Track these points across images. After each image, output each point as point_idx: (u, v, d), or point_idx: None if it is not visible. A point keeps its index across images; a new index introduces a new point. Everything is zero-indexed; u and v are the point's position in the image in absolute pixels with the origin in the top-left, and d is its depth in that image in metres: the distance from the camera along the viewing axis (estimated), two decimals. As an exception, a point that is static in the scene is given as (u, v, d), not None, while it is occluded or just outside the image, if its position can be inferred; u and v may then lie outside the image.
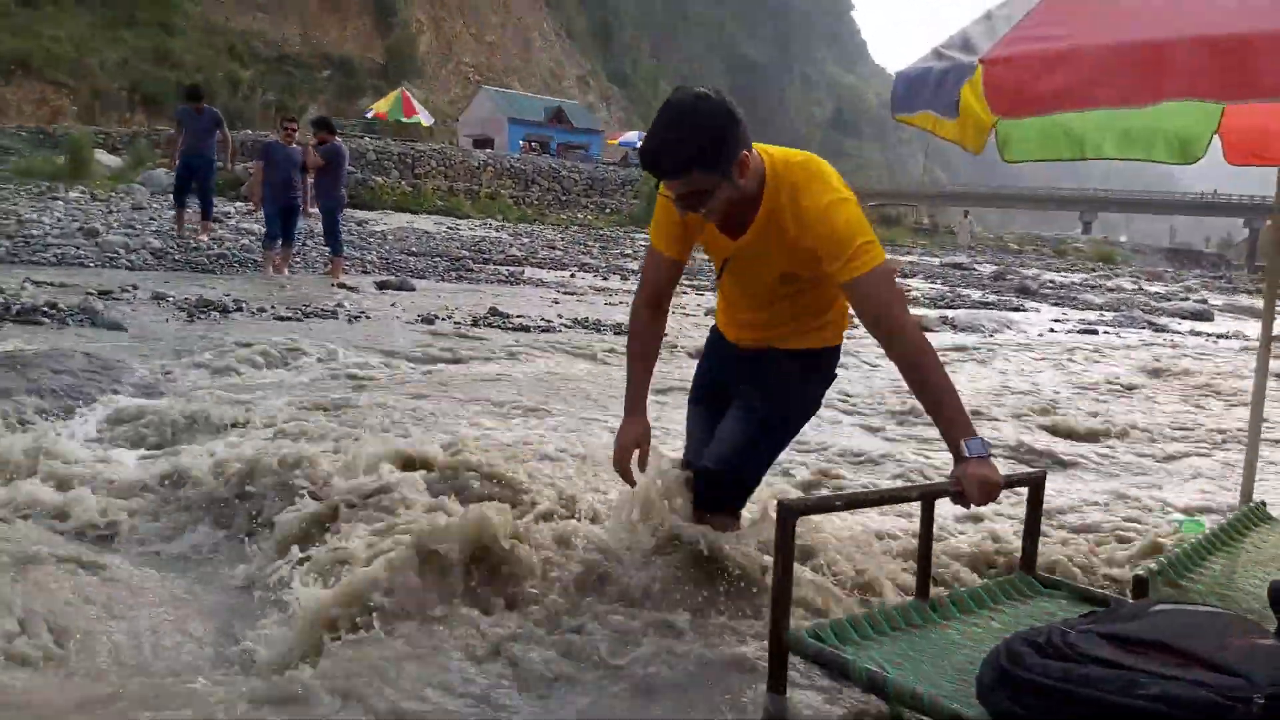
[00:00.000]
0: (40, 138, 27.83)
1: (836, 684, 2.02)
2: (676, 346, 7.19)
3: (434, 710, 1.91)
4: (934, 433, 2.15)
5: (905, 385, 2.15)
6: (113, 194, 19.67)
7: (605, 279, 13.58)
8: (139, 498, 2.93)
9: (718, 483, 2.48)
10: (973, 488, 1.97)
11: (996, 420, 5.47)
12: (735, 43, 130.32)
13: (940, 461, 4.21)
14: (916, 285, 16.88)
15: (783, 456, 2.72)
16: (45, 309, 6.47)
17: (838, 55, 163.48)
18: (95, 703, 1.90)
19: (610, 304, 10.43)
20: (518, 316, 8.58)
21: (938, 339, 9.34)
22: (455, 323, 8.01)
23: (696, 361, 2.79)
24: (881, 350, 2.16)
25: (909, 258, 27.68)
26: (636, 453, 2.42)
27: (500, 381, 5.61)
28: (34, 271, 8.53)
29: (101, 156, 25.35)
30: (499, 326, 8.02)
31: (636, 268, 15.62)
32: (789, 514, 1.83)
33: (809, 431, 3.48)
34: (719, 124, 2.07)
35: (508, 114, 58.85)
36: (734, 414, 2.49)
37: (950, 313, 11.90)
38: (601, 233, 26.18)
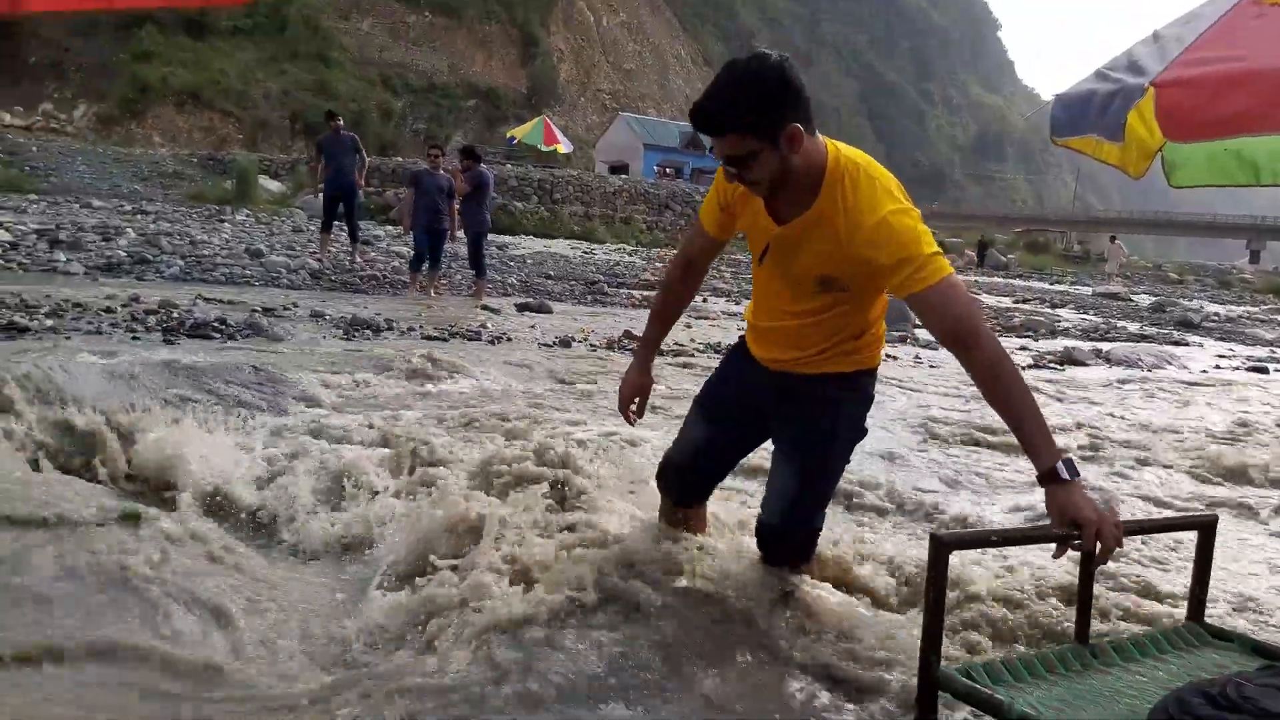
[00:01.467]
0: (210, 164, 29.88)
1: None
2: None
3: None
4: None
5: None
6: (274, 217, 20.95)
7: (738, 303, 13.55)
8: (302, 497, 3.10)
9: (785, 536, 2.46)
10: (1106, 531, 1.81)
11: (1157, 460, 5.17)
12: (872, 65, 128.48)
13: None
14: (1066, 316, 16.16)
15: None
16: (215, 324, 6.94)
17: (982, 76, 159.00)
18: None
19: (741, 330, 10.39)
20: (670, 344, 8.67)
21: (1091, 373, 8.92)
22: (590, 345, 8.15)
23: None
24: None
25: (1059, 287, 26.54)
26: (637, 400, 2.53)
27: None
28: (205, 289, 9.16)
29: (264, 182, 27.07)
30: (633, 350, 8.11)
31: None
32: (942, 547, 1.79)
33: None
34: (769, 89, 1.98)
35: (643, 140, 59.69)
36: (784, 464, 2.43)
37: (1105, 345, 11.34)
38: (734, 257, 26.16)
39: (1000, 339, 2.21)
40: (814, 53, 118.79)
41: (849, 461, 2.47)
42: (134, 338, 6.33)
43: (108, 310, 7.09)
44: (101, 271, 9.82)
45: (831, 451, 2.41)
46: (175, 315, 7.17)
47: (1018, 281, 28.21)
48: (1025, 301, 18.87)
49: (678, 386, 6.12)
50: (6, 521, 2.60)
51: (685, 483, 2.64)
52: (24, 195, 20.25)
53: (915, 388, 7.20)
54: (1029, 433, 1.92)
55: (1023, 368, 8.83)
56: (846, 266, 2.13)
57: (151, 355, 4.71)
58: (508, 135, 44.31)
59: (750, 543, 2.63)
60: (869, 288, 2.20)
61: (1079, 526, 1.84)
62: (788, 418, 2.41)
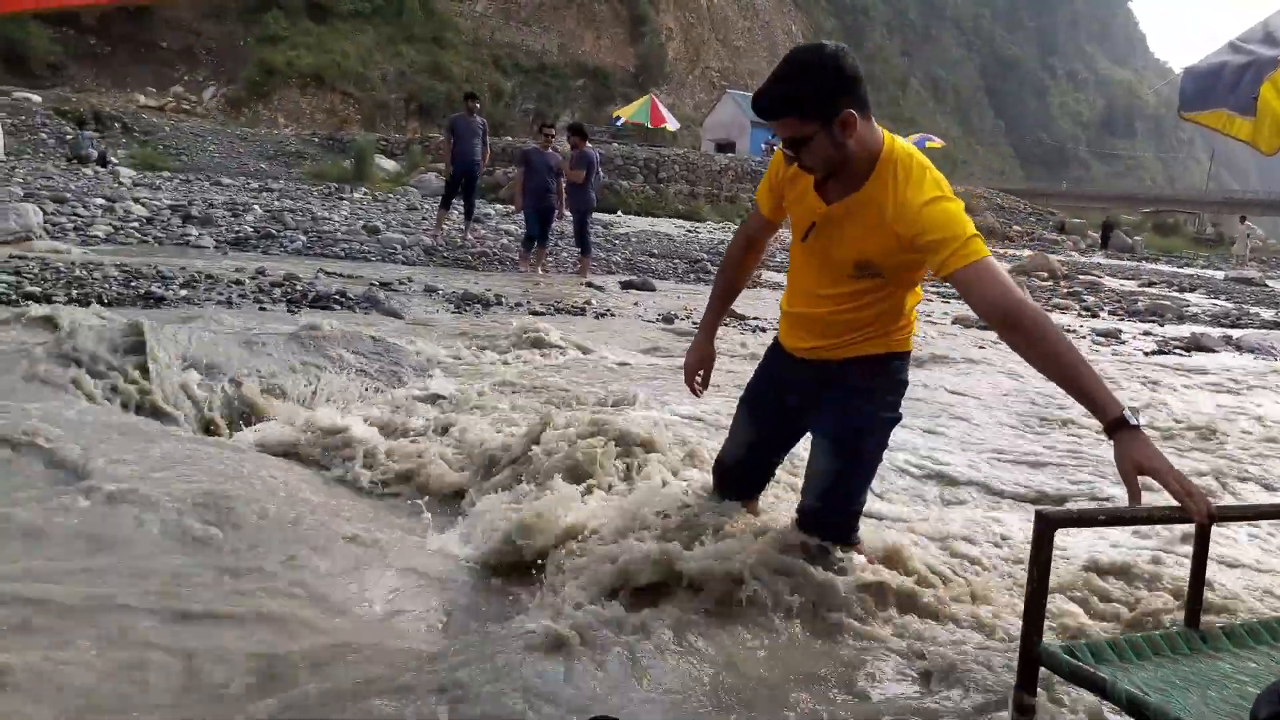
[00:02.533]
0: (330, 143, 30.97)
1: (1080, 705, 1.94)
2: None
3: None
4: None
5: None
6: (390, 195, 21.61)
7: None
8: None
9: (829, 522, 2.49)
10: (1189, 486, 1.80)
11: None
12: (993, 40, 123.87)
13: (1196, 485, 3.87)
14: (1196, 300, 15.39)
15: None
16: (336, 296, 7.25)
17: (1110, 50, 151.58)
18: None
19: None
20: (754, 318, 8.65)
21: (1218, 359, 8.51)
22: (694, 322, 8.19)
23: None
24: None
25: (1188, 270, 25.26)
26: (702, 372, 2.62)
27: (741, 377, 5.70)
28: (326, 264, 9.56)
29: (381, 161, 27.91)
30: (735, 327, 8.13)
31: (878, 273, 15.25)
32: (1047, 525, 1.78)
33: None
34: (823, 76, 2.09)
35: (750, 117, 59.05)
36: (822, 449, 2.47)
37: (1236, 332, 10.78)
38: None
39: (1065, 317, 2.13)
40: (932, 27, 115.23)
41: (887, 445, 2.51)
42: (261, 308, 6.67)
43: (237, 282, 7.48)
44: (230, 245, 10.35)
45: (867, 436, 2.45)
46: (299, 288, 7.51)
47: (1145, 264, 26.94)
48: (1152, 285, 18.04)
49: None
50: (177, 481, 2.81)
51: (737, 482, 2.71)
52: (158, 173, 21.42)
53: (1028, 370, 7.00)
54: (1089, 388, 1.92)
55: (1147, 353, 8.51)
56: (887, 247, 2.19)
57: (280, 325, 4.97)
58: (614, 115, 44.57)
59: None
60: (903, 273, 2.28)
61: (1154, 475, 1.82)
62: (823, 405, 2.47)
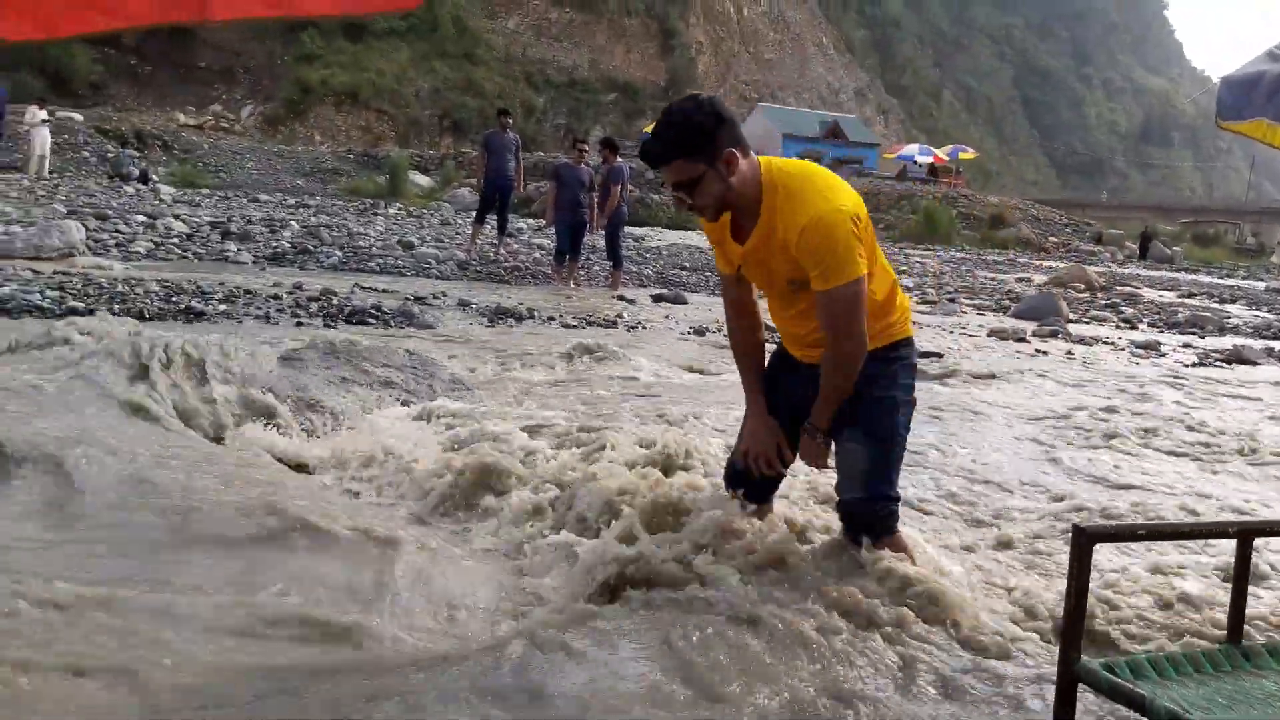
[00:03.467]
0: (364, 160, 31.38)
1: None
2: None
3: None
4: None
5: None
6: (424, 211, 21.84)
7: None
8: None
9: (867, 514, 2.53)
10: (802, 456, 2.57)
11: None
12: (1026, 50, 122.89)
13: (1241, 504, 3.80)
14: (1236, 312, 15.14)
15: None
16: (371, 311, 7.34)
17: (1145, 58, 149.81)
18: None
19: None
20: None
21: (1261, 372, 8.36)
22: (725, 334, 8.19)
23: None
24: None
25: (1228, 281, 24.85)
26: (779, 447, 2.62)
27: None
28: (362, 278, 9.67)
29: (415, 177, 28.22)
30: (767, 340, 8.10)
31: (912, 284, 15.19)
32: (1085, 539, 1.76)
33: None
34: (703, 120, 2.31)
35: (782, 130, 59.03)
36: (845, 437, 2.53)
37: (1278, 344, 10.60)
38: (874, 249, 25.62)
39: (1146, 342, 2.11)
40: (963, 37, 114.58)
41: (909, 428, 2.57)
42: (298, 323, 6.77)
43: (275, 297, 7.59)
44: (268, 261, 10.51)
45: (887, 416, 2.51)
46: (335, 302, 7.61)
47: (1183, 275, 26.55)
48: (1191, 296, 17.78)
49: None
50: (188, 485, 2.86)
51: (750, 485, 2.73)
52: (197, 190, 21.80)
53: (1066, 382, 6.93)
54: (822, 405, 2.48)
55: (1187, 365, 8.38)
56: (797, 265, 2.37)
57: (316, 338, 5.03)
58: (645, 130, 44.83)
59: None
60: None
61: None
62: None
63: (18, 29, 2.35)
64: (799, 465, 2.74)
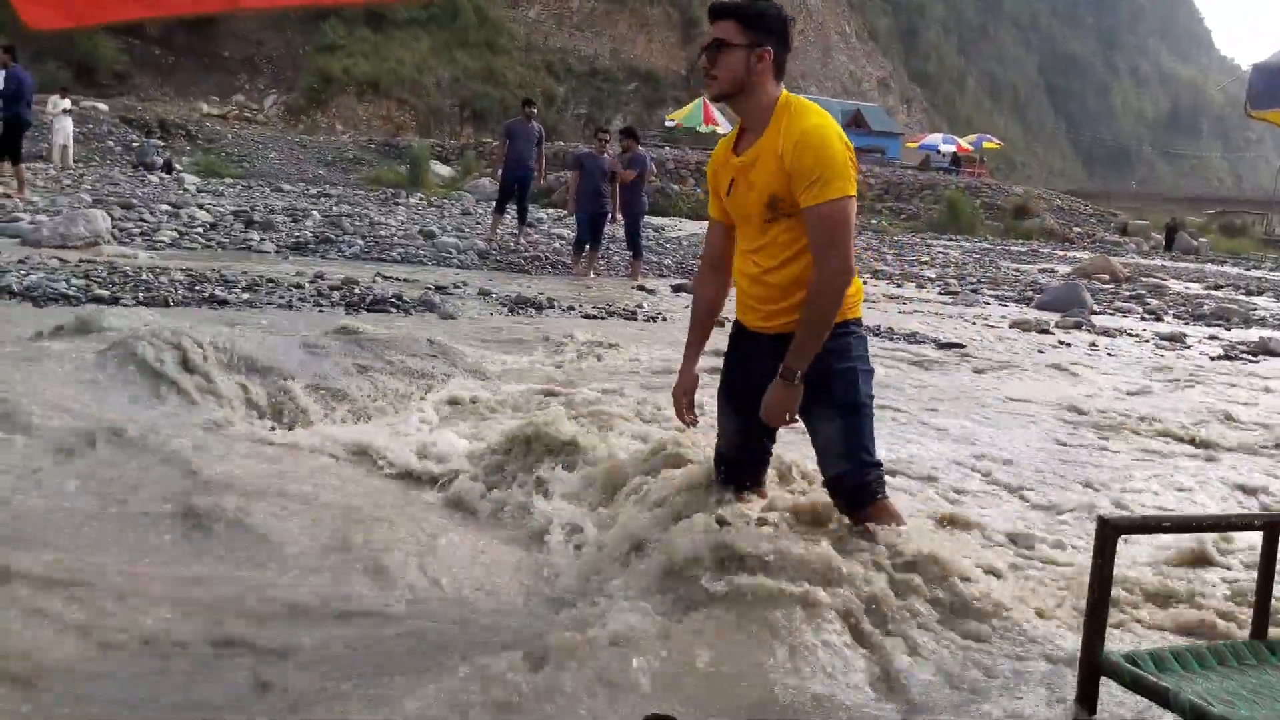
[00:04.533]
0: (386, 149, 31.48)
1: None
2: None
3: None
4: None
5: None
6: (445, 200, 21.89)
7: (899, 286, 13.24)
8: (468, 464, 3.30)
9: (852, 483, 2.56)
10: (767, 408, 2.44)
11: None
12: (1052, 37, 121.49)
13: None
14: (1263, 304, 14.94)
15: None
16: (393, 300, 7.37)
17: (1174, 46, 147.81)
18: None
19: (904, 312, 10.16)
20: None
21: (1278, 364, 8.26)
22: (747, 325, 8.17)
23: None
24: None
25: (1256, 273, 24.51)
26: (687, 399, 2.75)
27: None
28: (383, 267, 9.71)
29: (436, 167, 28.29)
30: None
31: (934, 275, 15.08)
32: (1110, 531, 1.75)
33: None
34: (771, 15, 2.46)
35: (805, 119, 58.63)
36: (816, 413, 2.56)
37: (1304, 334, 10.45)
38: (897, 239, 25.50)
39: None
40: (989, 24, 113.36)
41: (872, 395, 2.60)
42: (320, 311, 6.81)
43: (297, 286, 7.64)
44: (290, 250, 10.56)
45: (846, 388, 2.54)
46: (357, 291, 7.65)
47: (1210, 266, 26.20)
48: (1218, 288, 17.56)
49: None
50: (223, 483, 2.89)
51: (740, 471, 2.77)
52: (220, 179, 21.96)
53: (1087, 375, 6.87)
54: (802, 340, 2.39)
55: (1213, 358, 8.28)
56: (784, 179, 2.41)
57: (336, 327, 5.06)
58: (667, 120, 44.65)
59: None
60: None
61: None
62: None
63: (45, 17, 2.37)
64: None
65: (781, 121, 2.45)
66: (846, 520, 2.58)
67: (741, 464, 2.77)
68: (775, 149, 2.42)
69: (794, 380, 2.40)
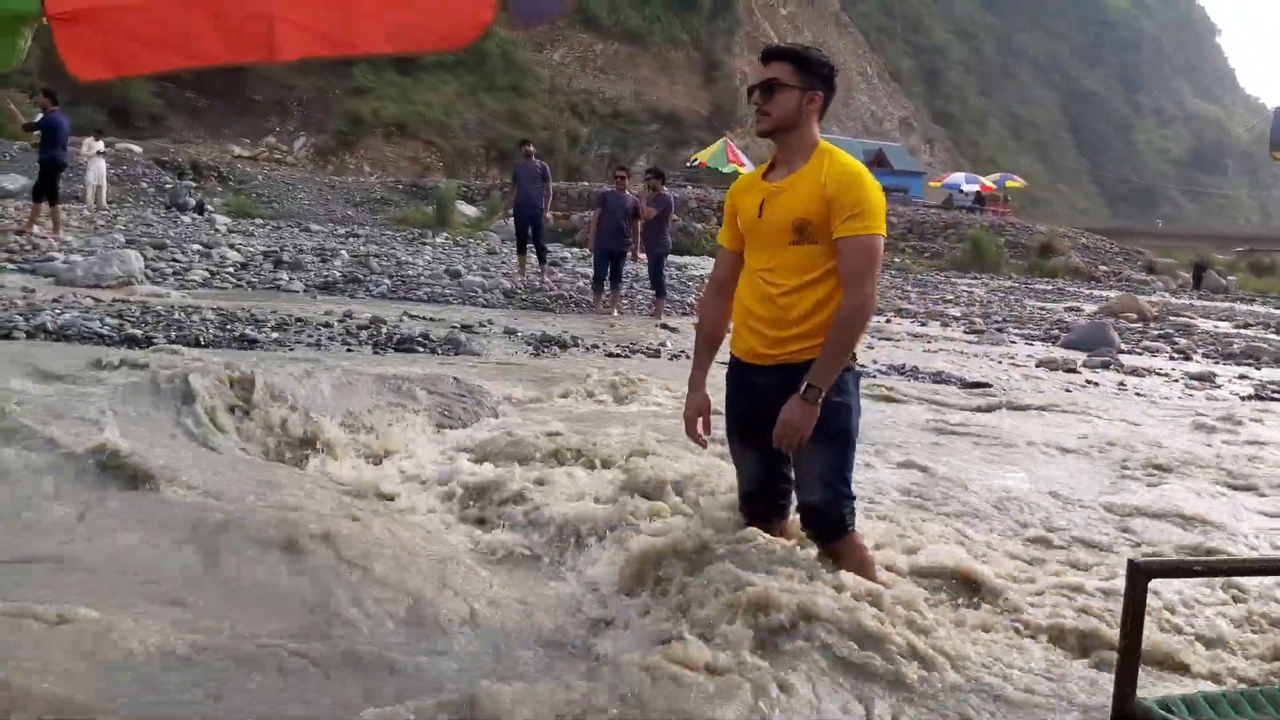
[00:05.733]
0: (413, 190, 31.88)
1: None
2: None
3: None
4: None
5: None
6: (470, 240, 22.10)
7: (923, 325, 13.20)
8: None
9: (829, 514, 2.66)
10: (784, 425, 2.49)
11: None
12: (1074, 77, 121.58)
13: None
14: (1291, 341, 14.74)
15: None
16: (419, 339, 7.44)
17: (1197, 85, 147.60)
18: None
19: (928, 350, 10.13)
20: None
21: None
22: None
23: None
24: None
25: (1282, 311, 24.24)
26: (701, 420, 2.86)
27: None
28: (409, 307, 9.81)
29: (462, 207, 28.60)
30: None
31: (959, 313, 15.03)
32: (1140, 575, 1.73)
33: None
34: (823, 64, 2.67)
35: (827, 157, 58.89)
36: (803, 449, 2.60)
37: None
38: (920, 277, 25.45)
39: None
40: (1010, 65, 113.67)
41: (858, 431, 2.71)
42: (348, 350, 6.88)
43: (325, 325, 7.73)
44: (319, 290, 10.71)
45: (835, 424, 2.62)
46: (384, 330, 7.73)
47: (1239, 305, 25.94)
48: (1247, 326, 17.38)
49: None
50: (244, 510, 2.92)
51: (765, 506, 2.85)
52: (251, 220, 22.30)
53: (1116, 416, 6.81)
54: (828, 360, 2.51)
55: (1243, 397, 8.19)
56: (820, 208, 2.56)
57: (367, 367, 5.12)
58: (691, 161, 45.06)
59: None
60: (831, 237, 2.59)
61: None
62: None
63: (91, 69, 2.45)
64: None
65: (824, 160, 2.62)
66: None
67: (766, 498, 2.84)
68: (817, 178, 2.59)
69: (816, 400, 2.50)
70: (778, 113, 2.62)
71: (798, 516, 2.81)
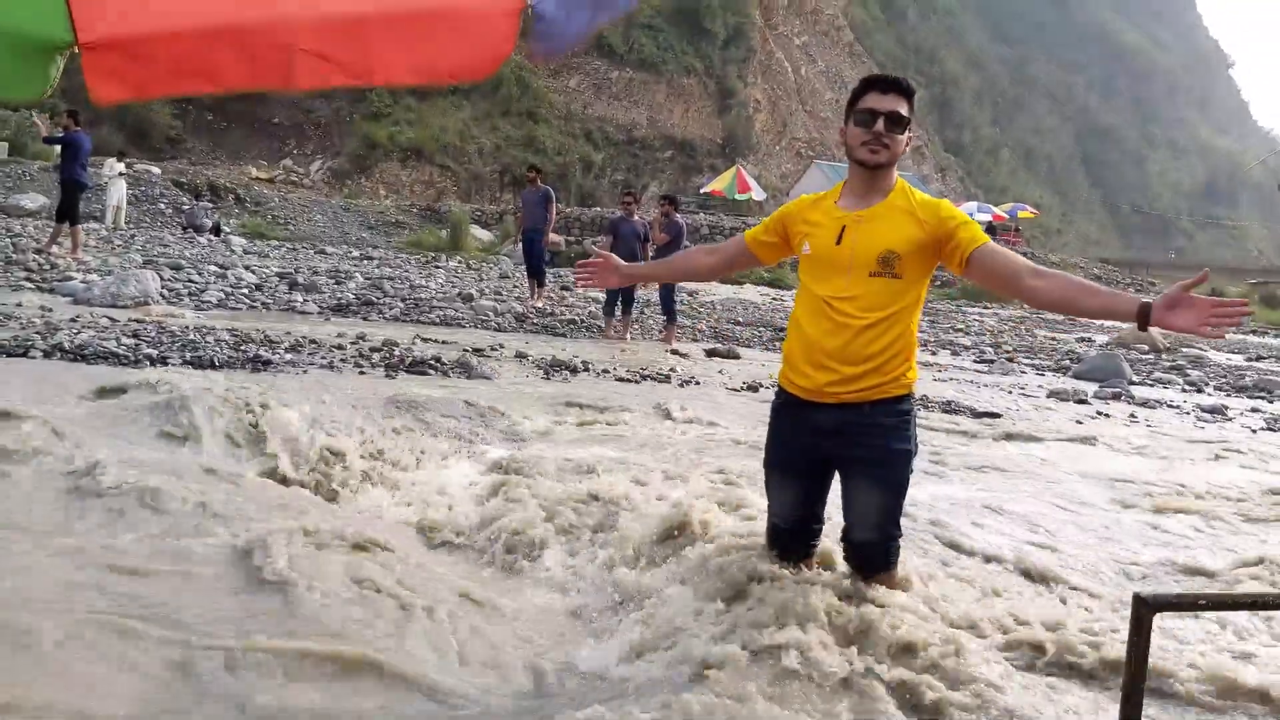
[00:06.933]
0: (427, 214, 32.12)
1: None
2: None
3: None
4: None
5: None
6: (483, 264, 22.25)
7: (933, 354, 13.20)
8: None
9: (880, 551, 2.73)
10: (1194, 315, 2.14)
11: None
12: (1087, 108, 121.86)
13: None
14: (1305, 375, 14.66)
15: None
16: (431, 362, 7.48)
17: (1211, 117, 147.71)
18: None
19: (938, 379, 10.12)
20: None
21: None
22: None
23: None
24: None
25: (1296, 344, 24.11)
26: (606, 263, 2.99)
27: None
28: (422, 330, 9.87)
29: (475, 231, 28.80)
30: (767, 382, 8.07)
31: (969, 342, 15.02)
32: (1146, 609, 1.74)
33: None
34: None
35: (839, 188, 59.10)
36: (862, 486, 2.66)
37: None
38: (930, 305, 25.44)
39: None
40: (1023, 97, 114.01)
41: (912, 471, 2.72)
42: (360, 372, 6.93)
43: (338, 347, 7.79)
44: (333, 311, 10.78)
45: (896, 470, 2.67)
46: (397, 353, 7.78)
47: (1252, 338, 25.84)
48: (1260, 359, 17.30)
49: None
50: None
51: (799, 541, 2.86)
52: (267, 241, 22.50)
53: (1126, 447, 6.79)
54: (1110, 299, 2.39)
55: (1254, 430, 8.15)
56: (911, 236, 2.58)
57: (379, 389, 5.16)
58: (703, 188, 45.31)
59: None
60: (918, 271, 2.62)
61: (1183, 329, 2.16)
62: (850, 452, 2.67)
63: (112, 92, 2.51)
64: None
65: (908, 194, 2.67)
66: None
67: (800, 537, 2.85)
68: (907, 210, 2.62)
69: (1148, 311, 2.24)
70: (896, 148, 2.63)
71: (839, 548, 2.87)
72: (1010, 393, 9.57)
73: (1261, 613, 2.58)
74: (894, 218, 2.61)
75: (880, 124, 2.56)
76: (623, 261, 3.03)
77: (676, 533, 3.17)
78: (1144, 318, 2.22)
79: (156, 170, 29.92)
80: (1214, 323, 2.12)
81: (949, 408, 8.01)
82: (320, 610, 2.56)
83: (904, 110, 2.60)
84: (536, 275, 13.56)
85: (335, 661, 2.30)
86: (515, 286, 16.02)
